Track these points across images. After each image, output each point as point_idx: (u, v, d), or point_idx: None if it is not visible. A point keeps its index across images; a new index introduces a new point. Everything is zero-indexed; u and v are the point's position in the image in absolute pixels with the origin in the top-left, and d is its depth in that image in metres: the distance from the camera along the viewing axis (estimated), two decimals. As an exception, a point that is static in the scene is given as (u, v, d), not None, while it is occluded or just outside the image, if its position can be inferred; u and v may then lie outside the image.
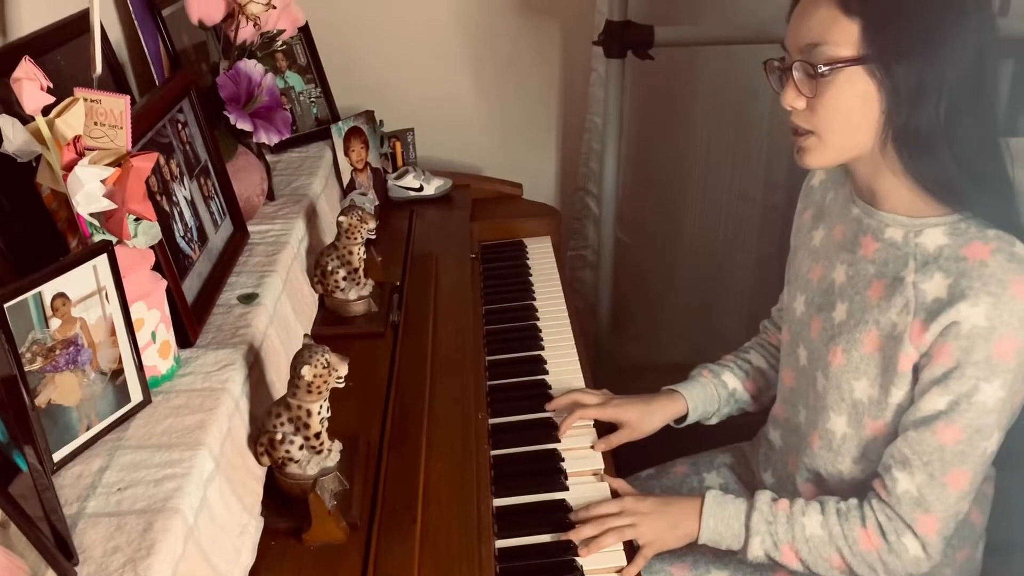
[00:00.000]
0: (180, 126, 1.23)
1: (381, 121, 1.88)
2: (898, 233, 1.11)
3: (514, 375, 1.48)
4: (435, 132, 2.08)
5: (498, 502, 1.22)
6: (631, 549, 1.18)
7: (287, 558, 0.98)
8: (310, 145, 1.79)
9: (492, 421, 1.37)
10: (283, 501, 1.03)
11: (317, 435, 1.01)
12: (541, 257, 1.84)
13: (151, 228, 0.98)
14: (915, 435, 1.08)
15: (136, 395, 0.95)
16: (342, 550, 0.99)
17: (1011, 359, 1.03)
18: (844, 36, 1.02)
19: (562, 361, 1.51)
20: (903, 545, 1.10)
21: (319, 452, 1.02)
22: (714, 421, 1.44)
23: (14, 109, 0.91)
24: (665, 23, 1.90)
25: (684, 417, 1.40)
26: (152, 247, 0.99)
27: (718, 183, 2.28)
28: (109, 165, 0.91)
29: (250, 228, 1.38)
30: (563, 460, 1.30)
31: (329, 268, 1.38)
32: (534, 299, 1.68)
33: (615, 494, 1.25)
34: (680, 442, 1.48)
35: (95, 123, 0.93)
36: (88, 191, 0.88)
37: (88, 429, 0.89)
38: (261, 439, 1.01)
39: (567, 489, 1.25)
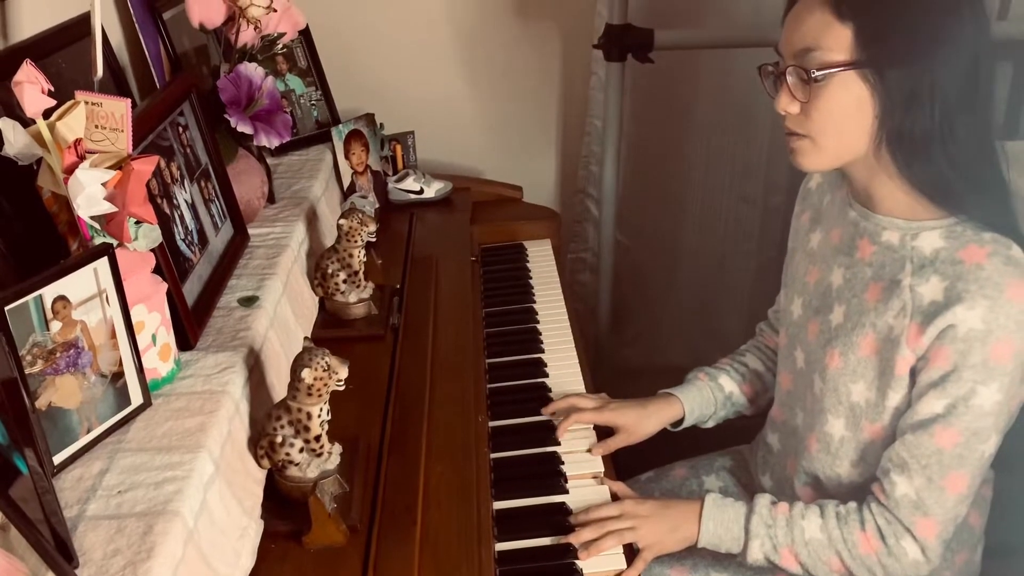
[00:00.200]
0: (181, 129, 1.24)
1: (381, 124, 1.88)
2: (895, 236, 1.11)
3: (514, 378, 1.48)
4: (435, 135, 2.08)
5: (498, 505, 1.22)
6: (631, 552, 1.18)
7: (287, 561, 0.98)
8: (310, 148, 1.79)
9: (492, 424, 1.37)
10: (283, 504, 1.03)
11: (317, 438, 1.01)
12: (541, 260, 1.84)
13: (152, 231, 0.98)
14: (913, 439, 1.08)
15: (136, 398, 0.95)
16: (342, 553, 0.99)
17: (1008, 362, 1.03)
18: (837, 41, 1.02)
19: (562, 364, 1.51)
20: (902, 549, 1.10)
21: (319, 455, 1.03)
22: (710, 424, 1.43)
23: (15, 112, 0.92)
24: (665, 26, 1.91)
25: (680, 421, 1.40)
26: (153, 250, 0.99)
27: (718, 185, 2.28)
28: (110, 168, 0.91)
29: (250, 231, 1.38)
30: (563, 463, 1.30)
31: (329, 271, 1.38)
32: (534, 302, 1.69)
33: (615, 497, 1.25)
34: (679, 445, 1.48)
35: (96, 126, 0.93)
36: (89, 194, 0.89)
37: (88, 432, 0.89)
38: (261, 442, 1.02)
39: (567, 492, 1.25)
